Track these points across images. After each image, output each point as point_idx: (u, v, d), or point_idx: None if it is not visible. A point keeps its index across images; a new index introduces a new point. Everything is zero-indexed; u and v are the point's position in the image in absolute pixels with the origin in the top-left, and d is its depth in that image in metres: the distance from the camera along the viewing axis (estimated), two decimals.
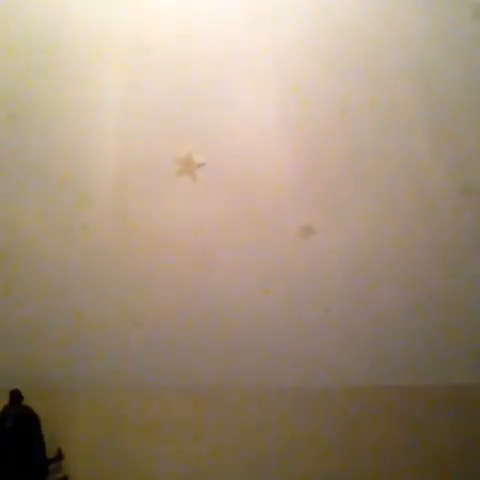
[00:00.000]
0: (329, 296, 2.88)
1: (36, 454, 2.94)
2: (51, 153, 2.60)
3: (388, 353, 3.01)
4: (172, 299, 2.93)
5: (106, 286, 2.87)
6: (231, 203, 2.66)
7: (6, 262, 2.86)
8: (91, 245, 2.79)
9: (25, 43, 2.36)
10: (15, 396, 3.02)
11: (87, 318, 2.95)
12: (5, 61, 2.40)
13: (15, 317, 3.00)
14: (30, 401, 3.05)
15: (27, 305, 2.97)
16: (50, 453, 3.01)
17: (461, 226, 2.69)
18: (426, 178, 2.60)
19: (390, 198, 2.65)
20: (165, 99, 2.47)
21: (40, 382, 3.13)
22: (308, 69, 2.41)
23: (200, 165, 2.55)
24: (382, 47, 2.37)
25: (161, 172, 2.59)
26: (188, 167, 2.55)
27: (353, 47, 2.38)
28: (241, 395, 3.16)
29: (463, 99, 2.45)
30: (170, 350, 3.07)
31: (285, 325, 2.96)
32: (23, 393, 3.04)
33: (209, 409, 3.17)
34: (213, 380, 3.14)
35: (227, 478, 3.07)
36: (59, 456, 3.02)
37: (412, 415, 3.10)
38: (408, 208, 2.66)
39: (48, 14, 2.30)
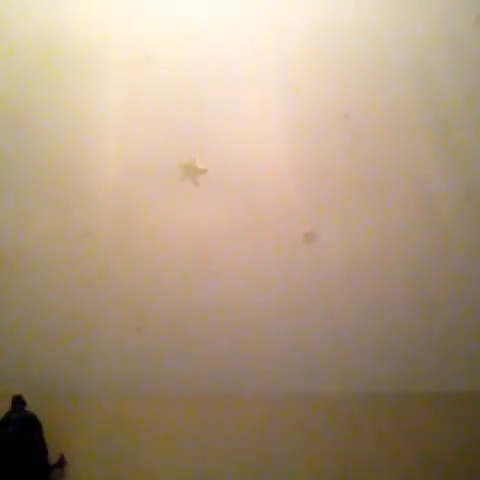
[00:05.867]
0: (332, 302, 2.87)
1: (38, 460, 2.94)
2: (52, 158, 2.59)
3: (391, 359, 3.01)
4: (174, 304, 2.92)
5: (108, 292, 2.86)
6: (234, 209, 2.65)
7: (7, 265, 2.85)
8: (93, 250, 2.78)
9: (25, 47, 2.34)
10: (18, 402, 3.01)
11: (90, 324, 2.95)
12: (5, 66, 2.39)
13: (16, 321, 3.00)
14: (32, 407, 3.04)
15: (28, 310, 2.96)
16: (52, 459, 3.02)
17: (465, 232, 2.67)
18: (429, 183, 2.58)
19: (393, 203, 2.63)
20: (168, 103, 2.45)
21: (42, 387, 3.13)
22: (311, 74, 2.39)
23: (203, 171, 2.53)
24: (385, 51, 2.35)
25: (163, 178, 2.57)
26: (191, 173, 2.54)
27: (356, 51, 2.36)
28: (242, 400, 3.16)
29: (467, 103, 2.43)
30: (171, 355, 3.07)
31: (287, 331, 2.95)
32: (25, 398, 3.04)
33: (209, 414, 3.17)
34: (213, 385, 3.14)
35: None
36: (61, 462, 3.01)
37: (414, 422, 3.10)
38: (411, 213, 2.64)
39: (47, 17, 2.29)
